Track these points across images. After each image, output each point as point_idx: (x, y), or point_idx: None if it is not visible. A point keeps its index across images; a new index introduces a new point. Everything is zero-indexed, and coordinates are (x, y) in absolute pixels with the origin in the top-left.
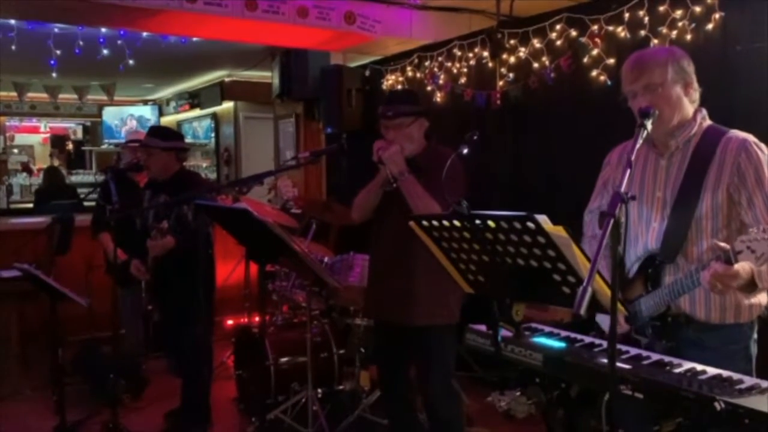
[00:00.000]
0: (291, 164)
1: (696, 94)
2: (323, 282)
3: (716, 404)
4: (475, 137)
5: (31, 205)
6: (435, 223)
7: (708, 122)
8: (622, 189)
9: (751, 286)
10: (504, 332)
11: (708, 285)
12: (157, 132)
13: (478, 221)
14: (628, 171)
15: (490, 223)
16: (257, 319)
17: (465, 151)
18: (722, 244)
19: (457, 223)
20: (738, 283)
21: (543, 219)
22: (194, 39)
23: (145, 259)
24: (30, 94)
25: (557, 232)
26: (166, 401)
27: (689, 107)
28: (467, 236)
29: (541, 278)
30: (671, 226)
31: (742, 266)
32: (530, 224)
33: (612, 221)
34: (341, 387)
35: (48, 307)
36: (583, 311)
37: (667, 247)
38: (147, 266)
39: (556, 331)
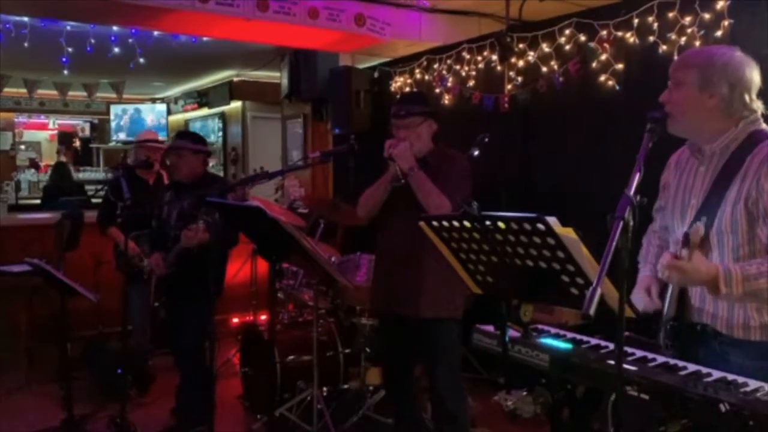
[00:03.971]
0: (300, 164)
1: (727, 107)
2: (330, 281)
3: (721, 406)
4: (486, 139)
5: (38, 201)
6: (445, 223)
7: (755, 127)
8: (631, 192)
9: (713, 287)
10: (511, 333)
11: (660, 273)
12: (187, 135)
13: (488, 222)
14: (638, 175)
15: (500, 224)
16: (263, 317)
17: (476, 153)
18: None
19: (467, 223)
20: (691, 279)
21: (553, 221)
22: (205, 39)
23: (165, 254)
24: (39, 91)
25: (567, 233)
26: (172, 397)
27: (711, 118)
28: (477, 237)
29: (549, 279)
30: None
31: (700, 264)
32: (540, 226)
33: (621, 224)
34: (346, 386)
35: (56, 302)
36: (592, 312)
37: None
38: (167, 261)
39: (562, 332)
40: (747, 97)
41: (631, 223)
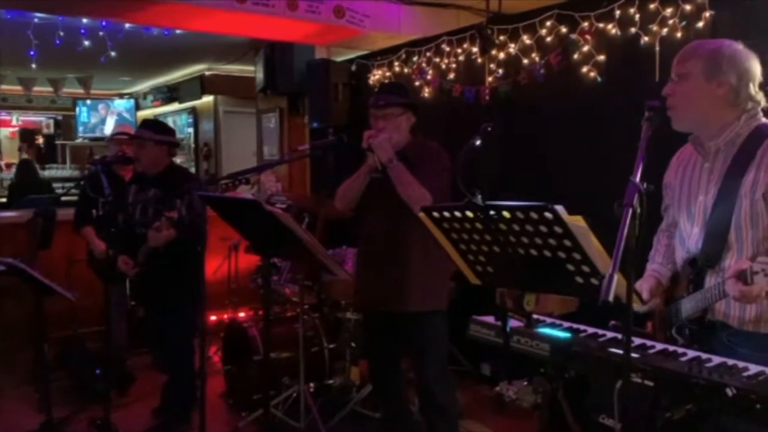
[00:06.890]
0: (286, 159)
1: (734, 97)
2: (316, 276)
3: (728, 390)
4: (489, 128)
5: (4, 200)
6: (446, 214)
7: (760, 121)
8: (637, 179)
9: None
10: (511, 323)
11: (734, 299)
12: (150, 124)
13: (492, 212)
14: (641, 164)
15: (505, 213)
16: (242, 314)
17: (478, 142)
18: (742, 266)
19: (469, 213)
20: (759, 298)
21: (561, 209)
22: (177, 31)
23: (132, 254)
24: (2, 87)
25: (576, 222)
26: (153, 398)
27: (718, 108)
28: (479, 227)
29: (554, 268)
30: (709, 233)
31: (760, 285)
32: (548, 214)
33: (630, 211)
34: (332, 381)
35: (28, 302)
36: (611, 298)
37: (706, 254)
38: (136, 261)
39: (558, 321)
40: (752, 88)
41: (639, 211)
